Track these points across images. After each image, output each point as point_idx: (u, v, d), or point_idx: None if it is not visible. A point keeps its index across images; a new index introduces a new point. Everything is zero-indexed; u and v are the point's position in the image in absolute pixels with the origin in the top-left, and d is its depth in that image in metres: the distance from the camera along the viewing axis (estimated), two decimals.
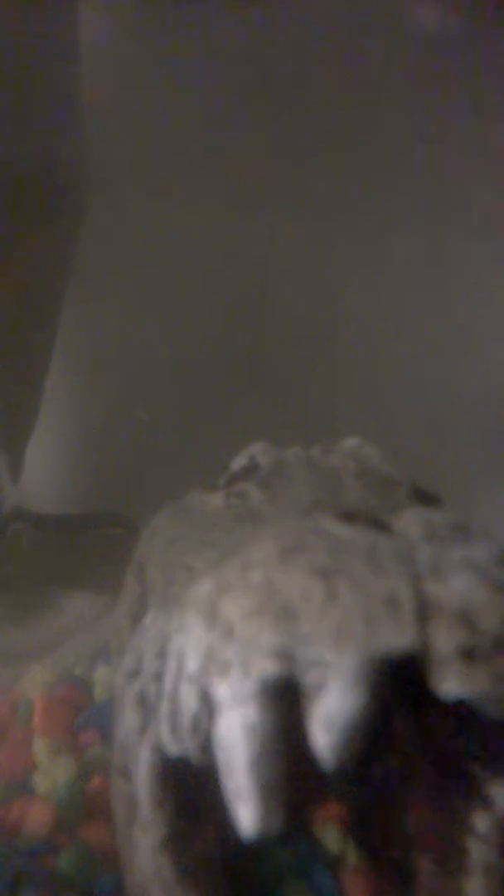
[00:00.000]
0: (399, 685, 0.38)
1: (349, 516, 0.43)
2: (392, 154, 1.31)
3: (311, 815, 0.57)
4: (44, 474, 1.38)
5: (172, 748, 0.44)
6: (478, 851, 0.45)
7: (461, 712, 0.42)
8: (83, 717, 0.72)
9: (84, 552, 1.26)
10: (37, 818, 0.59)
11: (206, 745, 0.41)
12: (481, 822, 0.45)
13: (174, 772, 0.46)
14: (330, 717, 0.36)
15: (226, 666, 0.38)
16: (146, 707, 0.48)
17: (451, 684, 0.36)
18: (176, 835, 0.46)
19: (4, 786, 0.63)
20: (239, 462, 0.66)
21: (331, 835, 0.56)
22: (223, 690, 0.39)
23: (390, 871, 0.52)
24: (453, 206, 1.34)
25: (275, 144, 1.32)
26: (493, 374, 1.39)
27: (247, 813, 0.37)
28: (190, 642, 0.40)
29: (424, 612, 0.36)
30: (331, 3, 1.28)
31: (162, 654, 0.48)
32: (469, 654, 0.36)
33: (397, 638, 0.35)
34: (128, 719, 0.49)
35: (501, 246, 1.35)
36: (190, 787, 0.47)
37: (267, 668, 0.37)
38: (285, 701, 0.38)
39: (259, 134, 1.31)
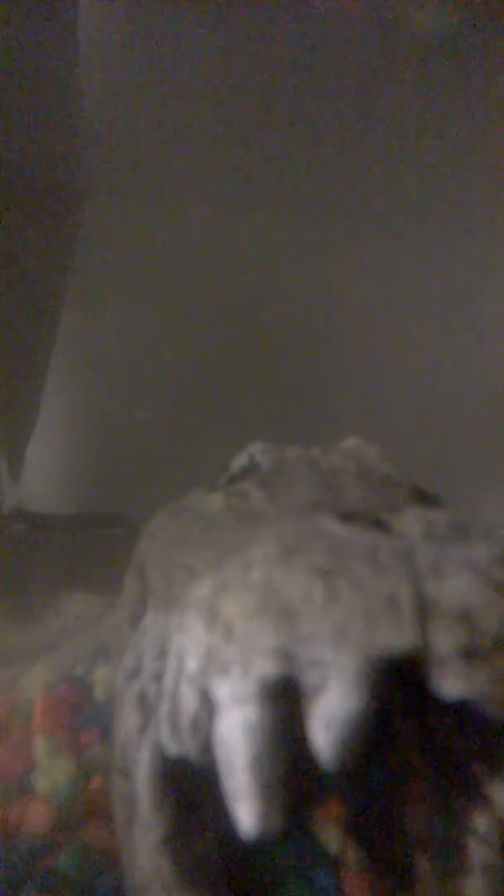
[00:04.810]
0: (399, 685, 0.38)
1: (349, 516, 0.43)
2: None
3: (311, 815, 0.57)
4: (44, 474, 1.38)
5: (172, 748, 0.44)
6: (478, 851, 0.45)
7: (461, 712, 0.42)
8: (83, 717, 0.72)
9: (84, 552, 1.26)
10: (37, 818, 0.59)
11: (206, 745, 0.41)
12: (481, 822, 0.45)
13: (174, 772, 0.46)
14: (330, 716, 0.36)
15: (226, 666, 0.38)
16: (146, 707, 0.48)
17: (451, 684, 0.36)
18: (176, 835, 0.46)
19: (4, 786, 0.63)
20: (239, 462, 0.66)
21: (331, 835, 0.56)
22: (223, 690, 0.39)
23: (390, 871, 0.51)
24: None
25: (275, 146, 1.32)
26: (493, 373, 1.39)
27: (247, 813, 0.37)
28: (190, 642, 0.40)
29: (424, 612, 0.36)
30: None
31: (162, 655, 0.48)
32: (469, 654, 0.35)
33: (397, 638, 0.35)
34: (128, 719, 0.49)
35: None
36: (190, 787, 0.47)
37: (267, 668, 0.37)
38: (285, 701, 0.38)
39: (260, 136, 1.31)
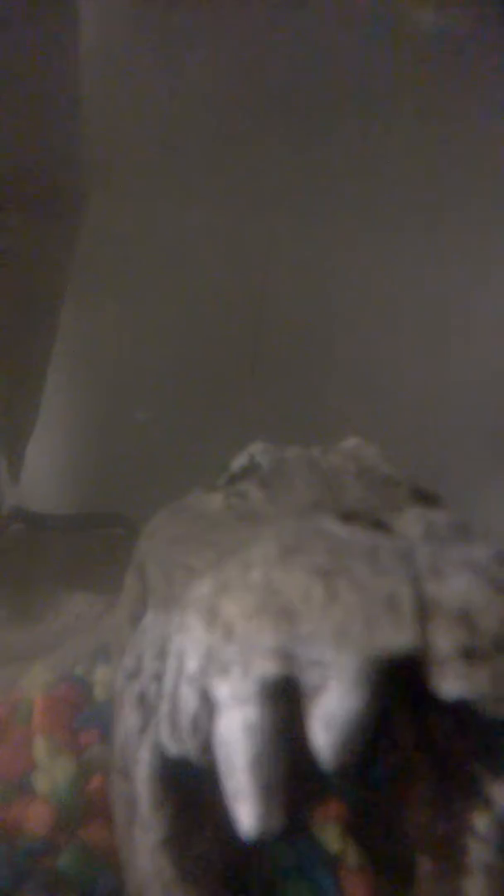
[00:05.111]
0: (399, 685, 0.38)
1: (349, 516, 0.43)
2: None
3: (311, 815, 0.57)
4: (44, 474, 1.38)
5: (172, 748, 0.44)
6: (478, 851, 0.45)
7: (461, 712, 0.42)
8: (83, 717, 0.72)
9: (84, 552, 1.26)
10: (37, 818, 0.59)
11: (206, 745, 0.41)
12: (481, 822, 0.45)
13: (174, 772, 0.46)
14: (330, 716, 0.36)
15: (226, 666, 0.38)
16: (146, 707, 0.48)
17: (451, 684, 0.36)
18: (176, 835, 0.46)
19: (4, 786, 0.63)
20: (239, 462, 0.66)
21: (331, 835, 0.56)
22: (223, 690, 0.39)
23: (390, 871, 0.51)
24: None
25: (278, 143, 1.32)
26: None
27: (246, 813, 0.37)
28: (190, 642, 0.40)
29: (424, 612, 0.36)
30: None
31: (162, 655, 0.48)
32: (469, 654, 0.36)
33: (397, 638, 0.35)
34: (128, 719, 0.49)
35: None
36: (190, 787, 0.47)
37: (267, 667, 0.37)
38: (285, 701, 0.38)
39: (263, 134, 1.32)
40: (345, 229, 1.37)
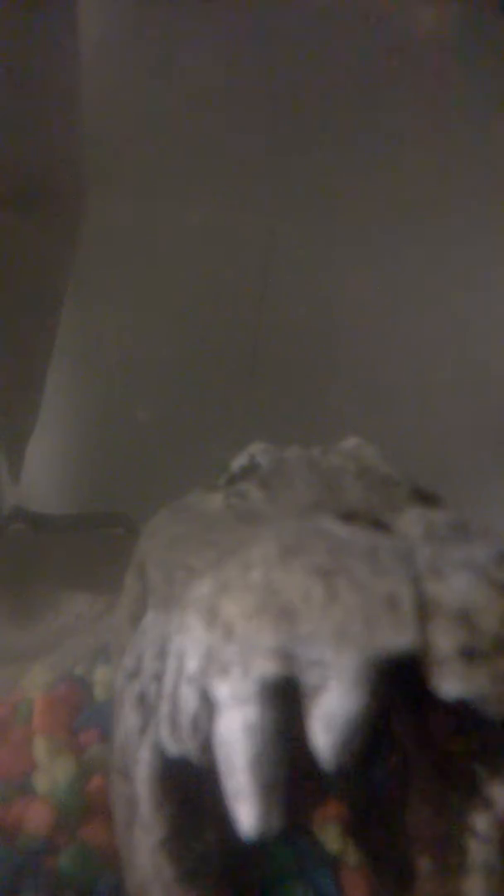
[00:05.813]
0: (399, 685, 0.38)
1: (349, 516, 0.43)
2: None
3: (311, 815, 0.57)
4: (44, 474, 1.38)
5: (172, 748, 0.44)
6: (478, 851, 0.45)
7: (461, 712, 0.42)
8: (83, 717, 0.72)
9: (84, 552, 1.25)
10: (37, 818, 0.59)
11: (206, 745, 0.41)
12: (481, 822, 0.45)
13: (174, 772, 0.46)
14: (330, 716, 0.36)
15: (226, 666, 0.38)
16: (146, 707, 0.48)
17: (451, 684, 0.36)
18: (176, 835, 0.46)
19: (4, 786, 0.63)
20: (239, 462, 0.66)
21: (331, 835, 0.56)
22: (223, 690, 0.39)
23: (390, 871, 0.52)
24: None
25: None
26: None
27: (246, 813, 0.37)
28: (190, 642, 0.40)
29: (424, 612, 0.36)
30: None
31: (162, 655, 0.48)
32: (469, 654, 0.36)
33: (397, 638, 0.35)
34: (128, 719, 0.49)
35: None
36: (190, 787, 0.47)
37: (267, 668, 0.37)
38: (285, 701, 0.38)
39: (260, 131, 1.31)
40: (345, 229, 1.37)
